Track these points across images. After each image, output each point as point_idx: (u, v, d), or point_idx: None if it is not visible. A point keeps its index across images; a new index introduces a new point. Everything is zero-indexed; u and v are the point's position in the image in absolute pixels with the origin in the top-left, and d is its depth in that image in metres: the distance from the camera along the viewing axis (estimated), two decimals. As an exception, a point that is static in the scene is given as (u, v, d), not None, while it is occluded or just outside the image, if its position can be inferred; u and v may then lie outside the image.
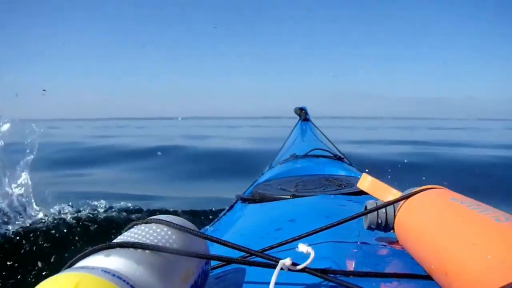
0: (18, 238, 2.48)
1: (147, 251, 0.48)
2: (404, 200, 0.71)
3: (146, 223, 0.57)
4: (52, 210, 3.01)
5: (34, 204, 2.98)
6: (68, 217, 2.87)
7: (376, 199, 0.78)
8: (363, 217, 0.77)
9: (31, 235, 2.52)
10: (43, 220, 2.80)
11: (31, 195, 3.05)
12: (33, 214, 2.90)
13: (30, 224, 2.71)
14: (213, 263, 0.66)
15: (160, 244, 0.52)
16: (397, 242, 0.74)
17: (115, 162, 8.06)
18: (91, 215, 2.99)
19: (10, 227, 2.59)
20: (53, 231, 2.64)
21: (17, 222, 2.71)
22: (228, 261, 0.59)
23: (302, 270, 0.56)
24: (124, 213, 3.13)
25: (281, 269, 0.55)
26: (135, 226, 0.57)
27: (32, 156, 3.22)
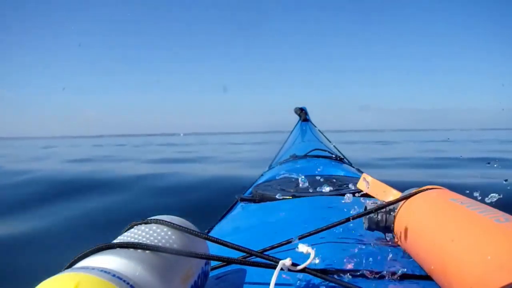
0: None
1: (147, 251, 0.48)
2: (404, 201, 0.71)
3: (146, 223, 0.57)
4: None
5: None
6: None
7: (376, 200, 0.78)
8: (363, 217, 0.77)
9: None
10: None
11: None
12: None
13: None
14: (213, 263, 0.66)
15: (160, 244, 0.52)
16: (397, 242, 0.74)
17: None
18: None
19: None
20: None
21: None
22: (228, 261, 0.58)
23: (302, 270, 0.56)
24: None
25: (281, 269, 0.55)
26: (135, 226, 0.57)
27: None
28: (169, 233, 0.55)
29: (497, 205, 0.60)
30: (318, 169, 1.89)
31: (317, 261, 0.59)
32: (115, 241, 0.50)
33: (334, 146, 2.85)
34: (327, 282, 0.59)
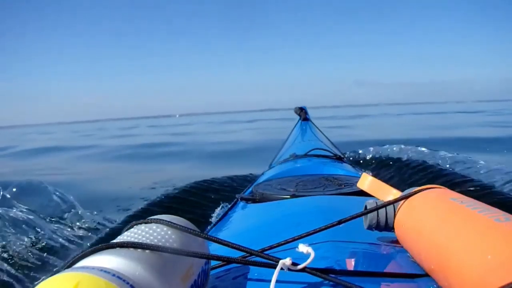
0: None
1: (147, 251, 0.48)
2: (404, 200, 0.71)
3: (146, 223, 0.57)
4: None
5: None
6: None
7: (376, 199, 0.78)
8: (363, 217, 0.77)
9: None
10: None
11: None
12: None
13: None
14: (213, 263, 0.66)
15: (160, 244, 0.52)
16: (397, 242, 0.74)
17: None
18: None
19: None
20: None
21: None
22: (228, 261, 0.59)
23: (302, 270, 0.56)
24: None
25: (281, 269, 0.55)
26: (135, 226, 0.57)
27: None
28: (169, 232, 0.55)
29: (497, 205, 0.60)
30: (318, 169, 1.89)
31: (317, 261, 0.59)
32: (115, 240, 0.50)
33: (334, 145, 2.85)
34: (328, 282, 0.59)
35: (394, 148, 4.47)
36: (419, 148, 4.33)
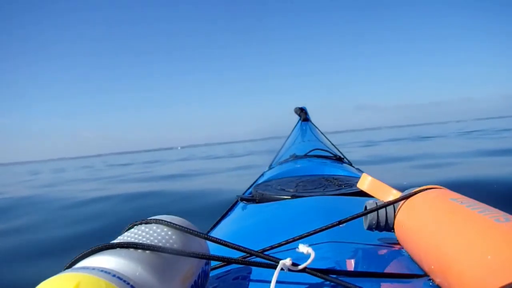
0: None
1: (147, 251, 0.48)
2: (404, 200, 0.71)
3: (146, 223, 0.57)
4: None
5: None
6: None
7: (376, 199, 0.78)
8: (363, 217, 0.77)
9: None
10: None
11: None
12: None
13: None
14: (213, 263, 0.66)
15: (160, 244, 0.52)
16: (397, 242, 0.74)
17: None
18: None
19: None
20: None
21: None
22: (228, 261, 0.59)
23: (303, 270, 0.56)
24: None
25: (282, 269, 0.55)
26: (135, 226, 0.57)
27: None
28: (169, 233, 0.55)
29: (497, 204, 0.59)
30: (318, 169, 1.89)
31: (317, 261, 0.59)
32: (115, 241, 0.50)
33: (334, 146, 2.85)
34: (328, 282, 0.59)
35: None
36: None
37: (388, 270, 0.66)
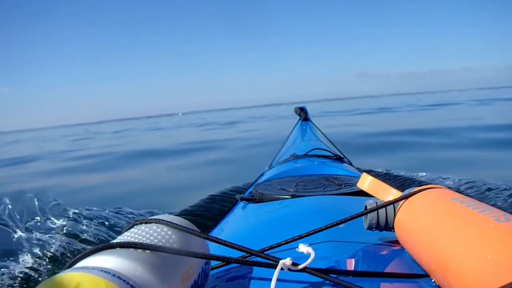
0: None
1: (147, 251, 0.48)
2: (404, 200, 0.71)
3: (146, 223, 0.57)
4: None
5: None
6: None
7: (376, 199, 0.78)
8: (363, 217, 0.77)
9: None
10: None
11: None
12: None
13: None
14: (213, 263, 0.66)
15: (160, 244, 0.52)
16: (397, 242, 0.74)
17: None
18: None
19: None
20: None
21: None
22: (228, 261, 0.59)
23: (303, 270, 0.56)
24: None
25: (282, 269, 0.55)
26: (135, 226, 0.57)
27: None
28: (169, 233, 0.55)
29: (496, 204, 0.60)
30: (318, 169, 1.89)
31: (317, 261, 0.59)
32: (115, 241, 0.50)
33: (334, 145, 2.85)
34: (328, 282, 0.59)
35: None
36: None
37: (388, 269, 0.66)
